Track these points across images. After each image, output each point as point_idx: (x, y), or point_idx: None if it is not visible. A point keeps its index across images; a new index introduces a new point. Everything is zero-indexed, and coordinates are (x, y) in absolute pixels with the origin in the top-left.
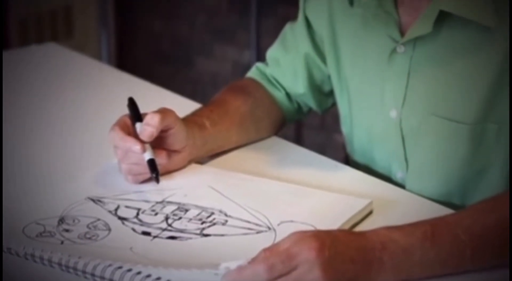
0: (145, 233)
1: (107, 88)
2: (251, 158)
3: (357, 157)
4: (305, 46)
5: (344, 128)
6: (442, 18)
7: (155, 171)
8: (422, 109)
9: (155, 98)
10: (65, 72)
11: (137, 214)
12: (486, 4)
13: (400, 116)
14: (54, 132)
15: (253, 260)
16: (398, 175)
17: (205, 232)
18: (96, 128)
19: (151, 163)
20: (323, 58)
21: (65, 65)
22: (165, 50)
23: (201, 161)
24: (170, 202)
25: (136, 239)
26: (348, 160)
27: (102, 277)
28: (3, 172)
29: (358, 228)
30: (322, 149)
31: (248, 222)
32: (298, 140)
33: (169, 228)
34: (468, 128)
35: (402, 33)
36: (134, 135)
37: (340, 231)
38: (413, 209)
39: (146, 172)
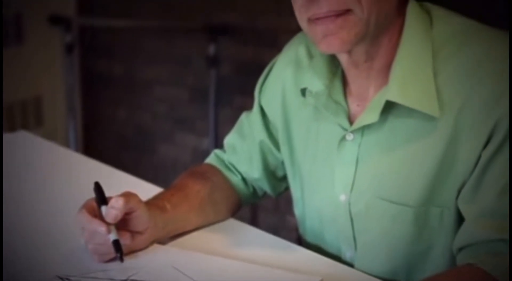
0: None
1: (74, 173)
2: (209, 238)
3: (309, 237)
4: (260, 134)
5: (297, 210)
6: (388, 107)
7: (119, 251)
8: (370, 193)
9: (119, 183)
10: (35, 158)
11: None
12: (430, 94)
13: (349, 200)
14: (24, 214)
15: None
16: (347, 254)
17: None
18: (65, 210)
19: (116, 244)
20: (277, 145)
21: (35, 152)
22: (129, 138)
23: (163, 241)
24: (133, 280)
25: None
26: (300, 241)
27: None
28: None
29: None
30: (276, 230)
31: None
32: (254, 221)
33: None
34: (412, 211)
35: (351, 122)
36: (100, 217)
37: None
38: None
39: (111, 252)
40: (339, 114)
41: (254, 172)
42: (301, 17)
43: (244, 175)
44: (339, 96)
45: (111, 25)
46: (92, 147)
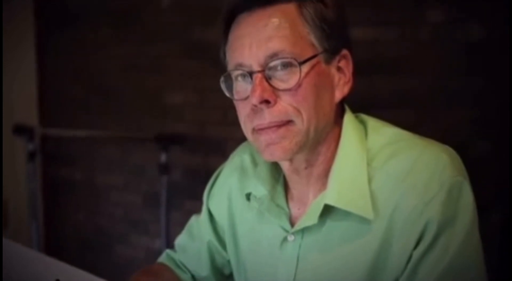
0: None
1: (37, 272)
2: None
3: None
4: (208, 235)
5: None
6: (327, 210)
7: None
8: None
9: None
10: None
11: None
12: (365, 199)
13: None
14: None
15: None
16: None
17: None
18: None
19: None
20: (223, 245)
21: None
22: (88, 239)
23: None
24: None
25: None
26: None
27: None
28: None
29: None
30: None
31: None
32: None
33: None
34: None
35: (292, 224)
36: None
37: None
38: None
39: None
40: (281, 217)
41: (202, 270)
42: (246, 128)
43: (193, 273)
44: (281, 200)
45: (71, 135)
46: (54, 247)
